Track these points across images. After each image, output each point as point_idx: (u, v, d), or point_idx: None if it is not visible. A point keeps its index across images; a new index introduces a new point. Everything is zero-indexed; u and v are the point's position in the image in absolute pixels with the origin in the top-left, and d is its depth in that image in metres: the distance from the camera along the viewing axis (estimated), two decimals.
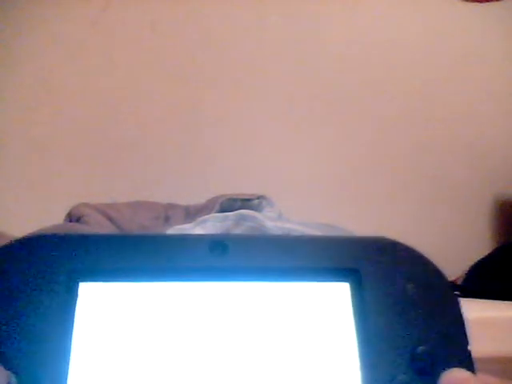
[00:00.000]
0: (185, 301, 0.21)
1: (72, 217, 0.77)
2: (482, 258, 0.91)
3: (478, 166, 1.07)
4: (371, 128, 1.06)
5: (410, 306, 0.21)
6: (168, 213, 0.81)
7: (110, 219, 0.76)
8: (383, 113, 1.07)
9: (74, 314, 0.20)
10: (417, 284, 0.22)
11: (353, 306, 0.21)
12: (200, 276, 0.21)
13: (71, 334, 0.19)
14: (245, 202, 0.72)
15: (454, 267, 0.96)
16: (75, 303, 0.20)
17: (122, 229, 0.75)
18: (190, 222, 0.66)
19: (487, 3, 1.07)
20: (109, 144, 0.99)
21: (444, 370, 0.20)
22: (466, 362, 0.20)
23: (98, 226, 0.73)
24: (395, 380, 0.20)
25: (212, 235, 0.22)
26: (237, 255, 0.21)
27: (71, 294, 0.20)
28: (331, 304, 0.21)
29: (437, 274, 0.22)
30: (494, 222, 1.07)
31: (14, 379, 0.18)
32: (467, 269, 0.90)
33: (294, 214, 0.79)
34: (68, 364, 0.19)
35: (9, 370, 0.18)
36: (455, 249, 1.02)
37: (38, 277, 0.20)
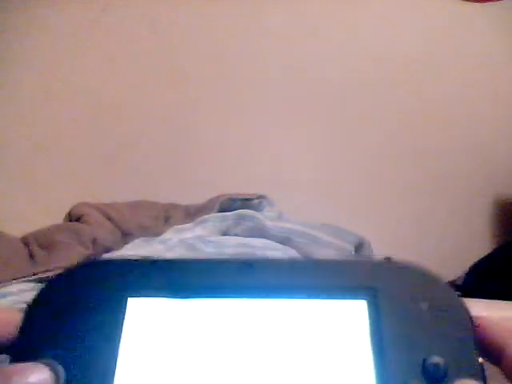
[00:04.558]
0: (215, 315, 0.23)
1: (72, 216, 0.77)
2: (482, 258, 0.91)
3: (478, 166, 1.07)
4: (371, 128, 1.06)
5: (423, 321, 0.22)
6: (168, 213, 0.81)
7: (110, 219, 0.76)
8: (383, 113, 1.07)
9: (122, 327, 0.23)
10: (430, 301, 0.23)
11: (369, 322, 0.23)
12: (228, 293, 0.24)
13: (118, 344, 0.22)
14: (245, 202, 0.73)
15: (454, 267, 0.96)
16: (124, 316, 0.23)
17: (122, 228, 0.75)
18: (189, 222, 0.66)
19: (487, 3, 1.07)
20: (109, 144, 0.99)
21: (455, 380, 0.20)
22: (478, 373, 0.21)
23: (97, 226, 0.73)
24: None
25: (240, 257, 0.25)
26: (261, 274, 0.24)
27: (120, 308, 0.23)
28: (349, 320, 0.23)
29: (449, 292, 0.23)
30: (493, 222, 1.07)
31: (63, 375, 0.21)
32: (467, 269, 0.90)
33: (294, 214, 0.79)
34: (114, 371, 0.22)
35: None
36: (455, 249, 1.02)
37: (93, 294, 0.23)
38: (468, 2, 1.08)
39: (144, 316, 0.23)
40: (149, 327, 0.23)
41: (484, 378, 0.21)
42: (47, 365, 0.21)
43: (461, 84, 1.09)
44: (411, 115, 1.07)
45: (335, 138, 1.06)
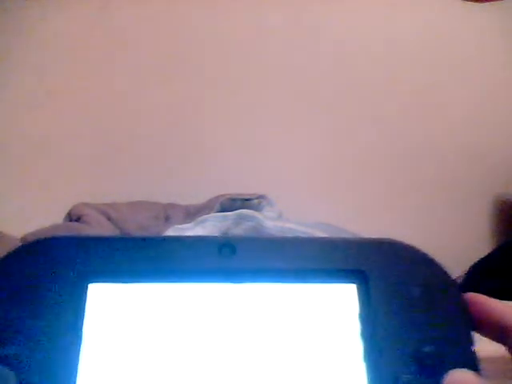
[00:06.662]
0: (192, 302, 0.21)
1: (72, 216, 0.77)
2: (482, 258, 0.91)
3: (478, 166, 1.07)
4: (371, 128, 1.06)
5: (415, 307, 0.21)
6: (168, 213, 0.81)
7: (110, 219, 0.76)
8: (383, 113, 1.07)
9: (83, 315, 0.20)
10: (423, 285, 0.22)
11: (359, 306, 0.22)
12: (208, 277, 0.21)
13: (81, 334, 0.20)
14: (245, 202, 0.72)
15: (454, 267, 0.96)
16: (84, 304, 0.20)
17: (122, 228, 0.75)
18: (189, 222, 0.66)
19: (487, 3, 1.07)
20: (108, 144, 0.99)
21: (449, 370, 0.20)
22: (471, 362, 0.20)
23: (97, 226, 0.73)
24: (400, 380, 0.20)
25: (220, 237, 0.22)
26: (244, 257, 0.22)
27: (80, 295, 0.20)
28: (338, 305, 0.22)
29: (443, 275, 0.22)
30: (493, 221, 1.07)
31: (14, 380, 0.18)
32: (467, 269, 0.90)
33: (294, 214, 0.79)
34: (77, 363, 0.19)
35: (19, 369, 0.18)
36: (455, 249, 1.02)
37: (48, 278, 0.20)
38: (468, 2, 1.08)
39: (107, 304, 0.20)
40: (113, 317, 0.20)
41: (478, 367, 0.20)
42: None
43: (460, 84, 1.09)
44: (411, 115, 1.07)
45: (335, 137, 1.06)
